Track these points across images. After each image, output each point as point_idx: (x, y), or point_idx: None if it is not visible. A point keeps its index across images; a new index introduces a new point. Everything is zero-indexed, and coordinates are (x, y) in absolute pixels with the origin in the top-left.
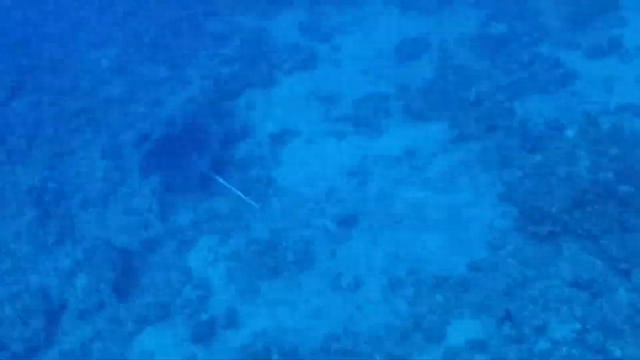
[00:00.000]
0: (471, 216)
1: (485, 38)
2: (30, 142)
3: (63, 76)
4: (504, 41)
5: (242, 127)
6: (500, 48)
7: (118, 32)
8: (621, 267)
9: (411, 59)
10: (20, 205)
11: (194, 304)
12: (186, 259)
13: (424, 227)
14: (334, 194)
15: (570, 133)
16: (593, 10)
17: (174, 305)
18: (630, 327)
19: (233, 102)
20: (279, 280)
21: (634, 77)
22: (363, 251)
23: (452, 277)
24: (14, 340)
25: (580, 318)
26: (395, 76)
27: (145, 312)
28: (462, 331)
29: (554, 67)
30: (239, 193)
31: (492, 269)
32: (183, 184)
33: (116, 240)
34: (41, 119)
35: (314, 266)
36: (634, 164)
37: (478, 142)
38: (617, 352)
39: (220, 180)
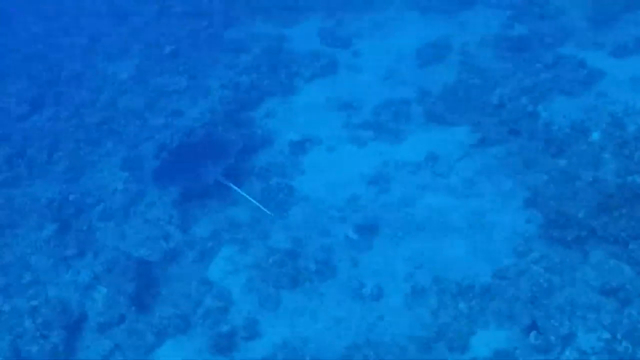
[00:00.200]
0: (495, 222)
1: (507, 39)
2: (50, 155)
3: (82, 89)
4: (526, 42)
5: (263, 136)
6: (522, 49)
7: (137, 44)
8: None
9: (432, 62)
10: (40, 219)
11: (214, 315)
12: (206, 270)
13: (447, 234)
14: (355, 202)
15: (595, 135)
16: (617, 8)
17: (194, 317)
18: None
19: (253, 111)
20: (300, 290)
21: None
22: (385, 259)
23: (476, 285)
24: (34, 354)
25: (609, 326)
26: (416, 80)
27: (166, 324)
28: (486, 341)
29: (578, 68)
30: (252, 199)
31: (517, 277)
32: (202, 194)
33: (136, 251)
34: (61, 131)
35: (336, 275)
36: None
37: (501, 146)
38: None
39: (234, 187)
